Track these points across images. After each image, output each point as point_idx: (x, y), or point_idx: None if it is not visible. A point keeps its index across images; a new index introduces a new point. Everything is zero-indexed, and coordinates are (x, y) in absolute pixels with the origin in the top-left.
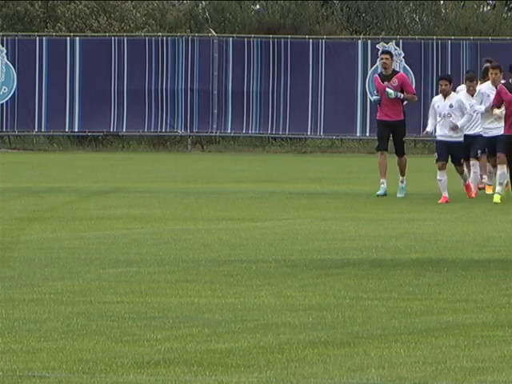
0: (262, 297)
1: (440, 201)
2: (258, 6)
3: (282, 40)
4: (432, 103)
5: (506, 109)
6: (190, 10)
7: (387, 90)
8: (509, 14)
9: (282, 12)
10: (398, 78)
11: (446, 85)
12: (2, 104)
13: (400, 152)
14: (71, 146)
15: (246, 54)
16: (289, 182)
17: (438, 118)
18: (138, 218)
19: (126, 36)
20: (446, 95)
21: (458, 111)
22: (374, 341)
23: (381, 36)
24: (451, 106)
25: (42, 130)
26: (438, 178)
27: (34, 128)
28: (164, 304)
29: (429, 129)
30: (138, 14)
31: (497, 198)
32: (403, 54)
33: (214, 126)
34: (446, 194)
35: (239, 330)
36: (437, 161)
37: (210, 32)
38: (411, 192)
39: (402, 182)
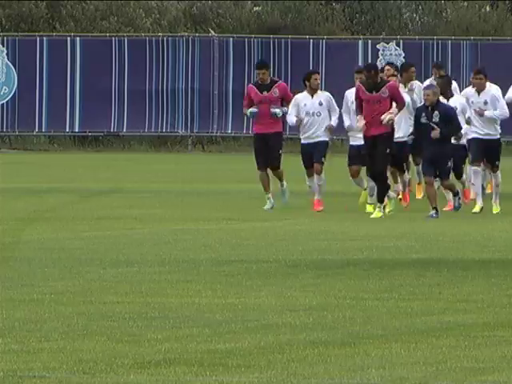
0: (262, 297)
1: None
2: (258, 8)
3: (283, 40)
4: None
5: (365, 109)
6: (188, 10)
7: (273, 111)
8: (510, 15)
9: (283, 12)
10: (278, 88)
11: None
12: (3, 104)
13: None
14: (72, 146)
15: (246, 54)
16: (289, 182)
17: None
18: (138, 218)
19: (127, 36)
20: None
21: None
22: (375, 341)
23: (381, 36)
24: None
25: (43, 130)
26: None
27: (35, 128)
28: (164, 304)
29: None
30: (147, 19)
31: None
32: (403, 54)
33: (215, 126)
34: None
35: (240, 330)
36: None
37: (210, 32)
38: (411, 192)
39: (282, 186)
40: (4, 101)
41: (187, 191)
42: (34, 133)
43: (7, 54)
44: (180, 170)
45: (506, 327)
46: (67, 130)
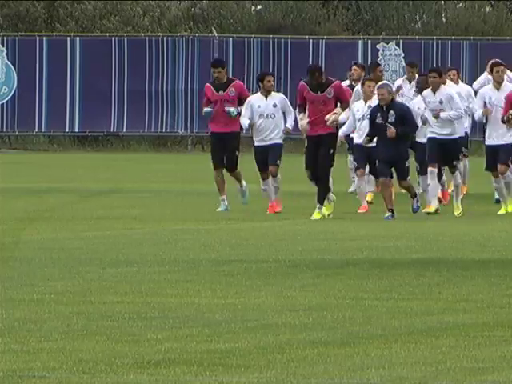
0: (262, 297)
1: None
2: (259, 7)
3: (282, 40)
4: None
5: (309, 109)
6: (188, 9)
7: (228, 109)
8: (510, 15)
9: (283, 11)
10: (235, 87)
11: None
12: (3, 104)
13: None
14: (71, 146)
15: (246, 54)
16: (289, 182)
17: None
18: (138, 218)
19: (127, 36)
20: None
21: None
22: (374, 341)
23: (381, 36)
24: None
25: (43, 130)
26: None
27: (35, 128)
28: (164, 304)
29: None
30: (146, 19)
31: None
32: (403, 54)
33: None
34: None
35: (239, 330)
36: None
37: (211, 32)
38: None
39: (241, 186)
40: (4, 101)
41: (187, 191)
42: (34, 133)
43: (7, 54)
44: (180, 170)
45: (505, 327)
46: (67, 130)
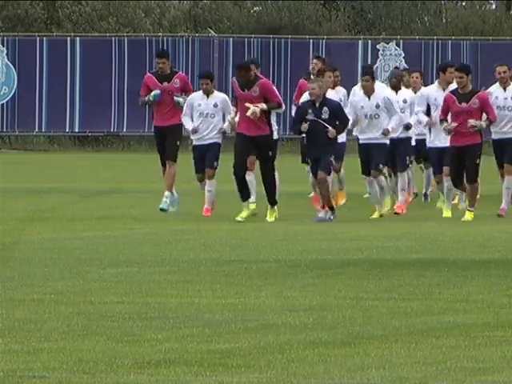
0: (262, 297)
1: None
2: (258, 8)
3: (282, 40)
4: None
5: (239, 107)
6: (188, 10)
7: (177, 99)
8: (510, 13)
9: (283, 12)
10: (179, 79)
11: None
12: (3, 104)
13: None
14: (72, 146)
15: (246, 54)
16: (289, 182)
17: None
18: (138, 218)
19: (127, 36)
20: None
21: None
22: (375, 341)
23: (381, 36)
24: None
25: (43, 130)
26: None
27: (35, 128)
28: (164, 304)
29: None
30: (146, 20)
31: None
32: (403, 55)
33: None
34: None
35: (240, 330)
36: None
37: (210, 32)
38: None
39: (173, 194)
40: (4, 101)
41: (187, 191)
42: (34, 133)
43: (7, 54)
44: (180, 170)
45: (505, 327)
46: (67, 130)
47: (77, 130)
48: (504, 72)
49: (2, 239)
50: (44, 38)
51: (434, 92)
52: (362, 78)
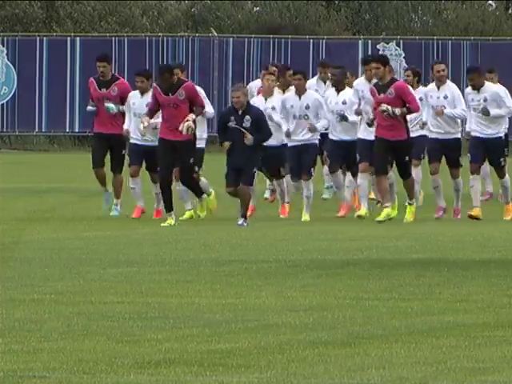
0: (262, 297)
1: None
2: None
3: (283, 40)
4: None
5: (162, 112)
6: (187, 10)
7: (107, 105)
8: (510, 12)
9: (283, 12)
10: (118, 86)
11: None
12: (3, 104)
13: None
14: (72, 146)
15: (246, 54)
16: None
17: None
18: (138, 218)
19: (126, 36)
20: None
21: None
22: (375, 341)
23: (381, 36)
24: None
25: (43, 130)
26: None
27: (35, 128)
28: (164, 304)
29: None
30: (147, 22)
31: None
32: (403, 55)
33: (215, 126)
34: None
35: (240, 330)
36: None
37: (212, 32)
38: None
39: (107, 190)
40: (4, 101)
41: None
42: (34, 133)
43: (7, 54)
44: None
45: (505, 327)
46: (67, 130)
47: (77, 130)
48: (443, 70)
49: (2, 239)
50: (44, 38)
51: (362, 85)
52: (293, 76)
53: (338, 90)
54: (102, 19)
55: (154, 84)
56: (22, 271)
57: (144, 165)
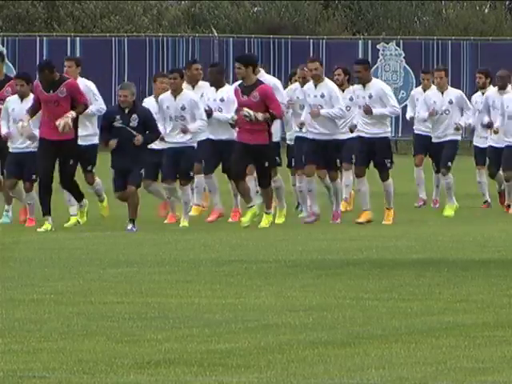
0: (262, 297)
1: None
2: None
3: (283, 40)
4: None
5: (44, 110)
6: (187, 10)
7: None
8: (509, 15)
9: (282, 12)
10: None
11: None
12: None
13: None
14: None
15: None
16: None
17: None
18: (138, 218)
19: (127, 36)
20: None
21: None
22: (375, 341)
23: (381, 36)
24: None
25: None
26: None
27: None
28: (164, 304)
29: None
30: (146, 19)
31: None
32: (403, 54)
33: None
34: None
35: (239, 330)
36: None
37: (213, 32)
38: (409, 192)
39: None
40: None
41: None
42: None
43: (7, 54)
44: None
45: (505, 327)
46: None
47: None
48: (315, 69)
49: (2, 239)
50: (44, 38)
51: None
52: (169, 75)
53: (218, 87)
54: (103, 17)
55: (36, 81)
56: (22, 271)
57: None
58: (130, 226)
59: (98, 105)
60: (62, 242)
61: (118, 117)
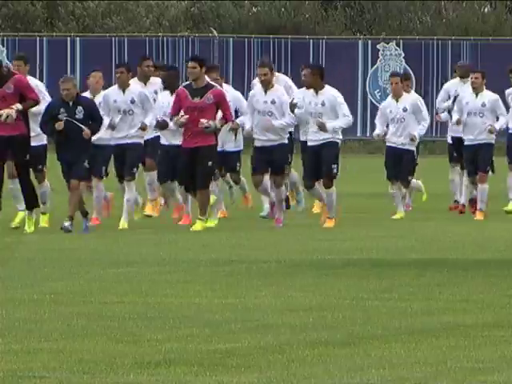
0: (262, 297)
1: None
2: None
3: (283, 40)
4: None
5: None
6: (187, 10)
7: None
8: (509, 15)
9: (282, 12)
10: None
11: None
12: None
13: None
14: None
15: (246, 54)
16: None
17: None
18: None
19: (127, 36)
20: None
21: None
22: (375, 341)
23: (381, 36)
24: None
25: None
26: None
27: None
28: (164, 304)
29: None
30: (148, 20)
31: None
32: (404, 54)
33: None
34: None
35: (239, 330)
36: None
37: (212, 32)
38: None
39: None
40: None
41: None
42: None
43: (7, 54)
44: None
45: (505, 327)
46: None
47: None
48: (264, 74)
49: (2, 239)
50: (44, 38)
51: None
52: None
53: (173, 90)
54: (105, 17)
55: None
56: (22, 271)
57: None
58: (67, 223)
59: (47, 103)
60: (61, 242)
61: (61, 110)
